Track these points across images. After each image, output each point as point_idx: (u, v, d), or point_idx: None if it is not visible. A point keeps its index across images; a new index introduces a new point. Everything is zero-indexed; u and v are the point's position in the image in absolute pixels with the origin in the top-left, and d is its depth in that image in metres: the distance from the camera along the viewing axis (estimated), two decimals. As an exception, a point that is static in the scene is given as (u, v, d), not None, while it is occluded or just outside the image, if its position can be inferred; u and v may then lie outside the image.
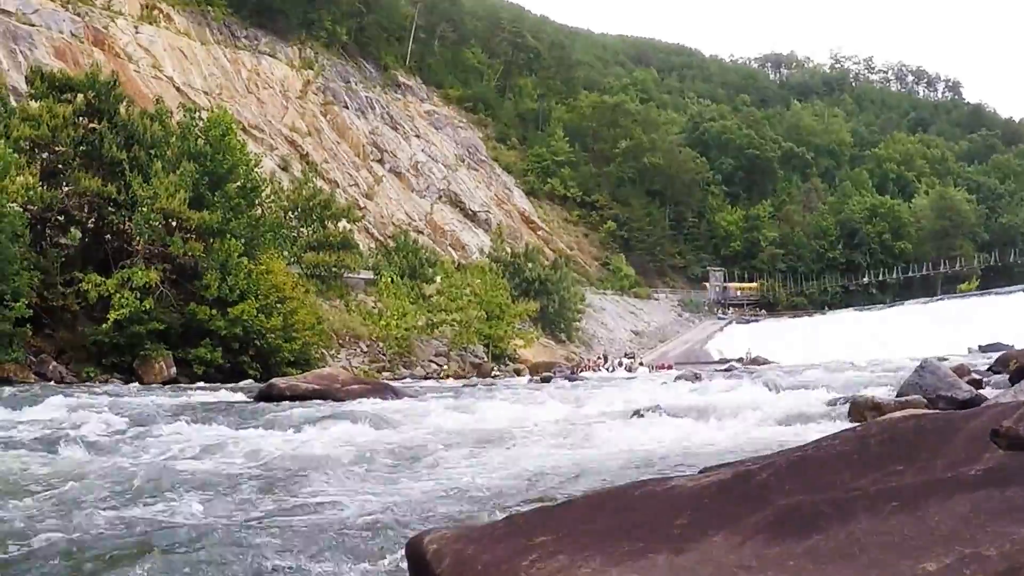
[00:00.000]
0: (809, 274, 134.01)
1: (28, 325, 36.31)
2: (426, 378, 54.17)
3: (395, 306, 58.97)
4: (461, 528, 6.50)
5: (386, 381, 37.77)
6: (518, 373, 62.37)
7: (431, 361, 61.90)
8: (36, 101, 44.23)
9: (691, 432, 15.36)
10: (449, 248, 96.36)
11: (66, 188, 42.55)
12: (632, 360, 75.61)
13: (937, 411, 8.97)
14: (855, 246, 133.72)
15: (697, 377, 36.42)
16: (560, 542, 5.28)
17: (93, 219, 43.63)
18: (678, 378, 36.12)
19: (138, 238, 40.86)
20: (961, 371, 22.91)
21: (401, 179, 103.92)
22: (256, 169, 49.77)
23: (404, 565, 6.52)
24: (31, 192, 39.53)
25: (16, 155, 39.09)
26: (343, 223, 68.86)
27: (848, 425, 13.65)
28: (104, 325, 38.61)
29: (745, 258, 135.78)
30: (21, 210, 39.20)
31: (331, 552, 7.38)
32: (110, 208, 42.32)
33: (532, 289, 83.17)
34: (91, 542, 7.81)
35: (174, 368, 40.18)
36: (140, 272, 39.22)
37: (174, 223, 42.04)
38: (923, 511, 4.26)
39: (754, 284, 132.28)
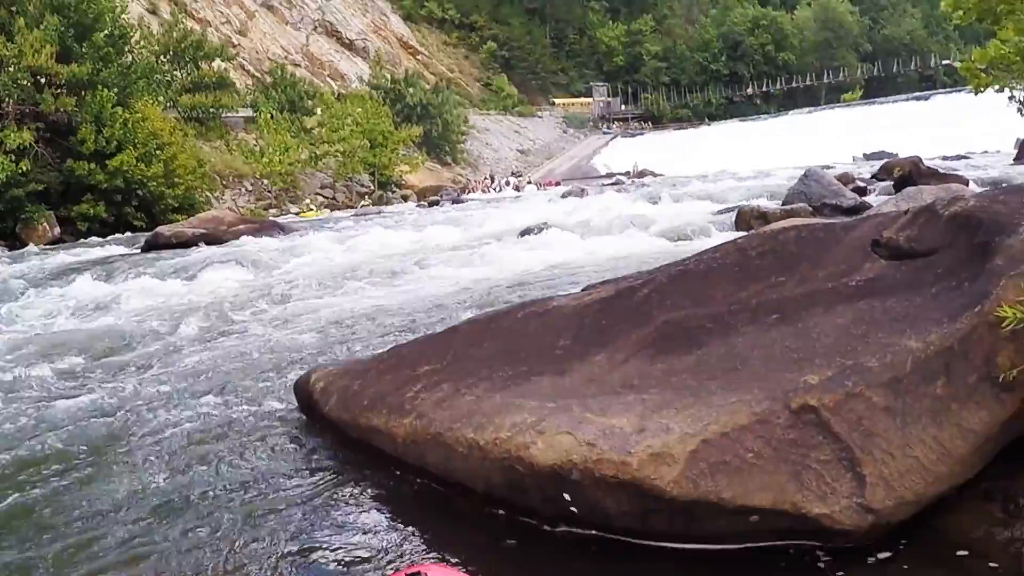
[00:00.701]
0: (692, 87, 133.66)
1: (-103, 201, 35.21)
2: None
3: (276, 142, 58.12)
4: (346, 364, 6.46)
5: (273, 219, 37.45)
6: (405, 199, 62.17)
7: (317, 194, 61.41)
8: None
9: (578, 248, 15.43)
10: (328, 79, 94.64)
11: (-74, 58, 41.00)
12: (519, 179, 75.36)
13: (818, 220, 9.04)
14: (738, 58, 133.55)
15: (584, 192, 36.55)
16: (444, 371, 5.26)
17: (-42, 86, 42.25)
18: (565, 195, 36.22)
19: (6, 99, 39.55)
20: (846, 179, 23.27)
21: (274, 12, 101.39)
22: (123, 15, 48.19)
23: (294, 404, 6.50)
24: None
25: None
26: (217, 62, 67.04)
27: (735, 235, 13.80)
28: (-20, 193, 37.47)
29: (628, 72, 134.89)
30: None
31: (221, 396, 7.31)
32: (-27, 72, 40.76)
33: (414, 114, 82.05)
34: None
35: (58, 228, 39.23)
36: (12, 134, 37.91)
37: (43, 80, 40.48)
38: (804, 323, 4.26)
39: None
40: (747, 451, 3.70)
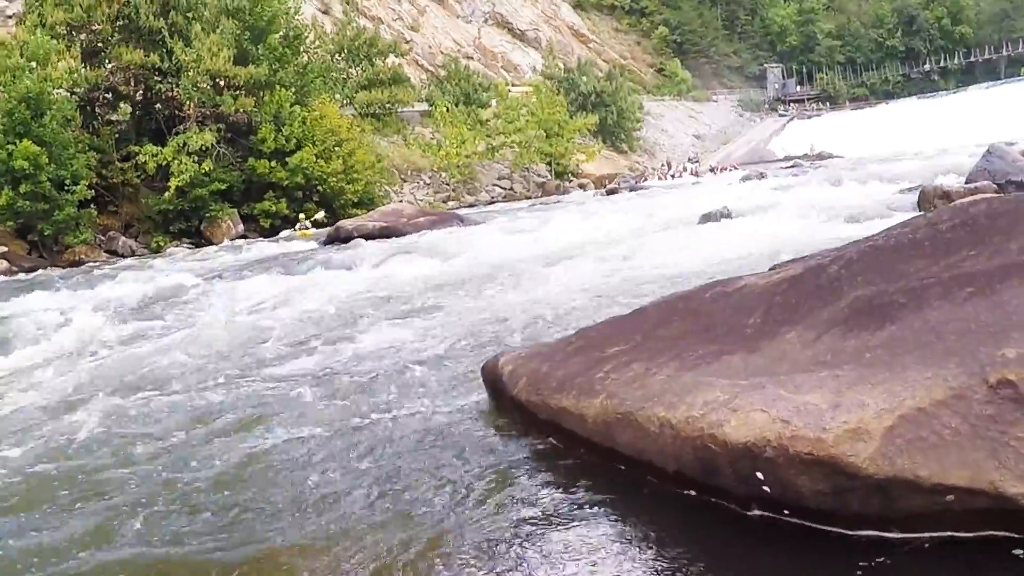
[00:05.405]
0: (868, 64, 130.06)
1: (92, 205, 36.83)
2: (491, 203, 54.46)
3: (453, 134, 58.73)
4: (534, 347, 6.52)
5: (452, 211, 37.81)
6: (583, 188, 62.41)
7: (495, 185, 62.03)
8: (66, -16, 43.90)
9: (759, 232, 15.26)
10: (501, 71, 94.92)
11: (109, 65, 42.41)
12: (696, 164, 74.88)
13: (1009, 195, 8.82)
14: (914, 33, 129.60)
15: (762, 176, 36.34)
16: (634, 351, 5.28)
17: (141, 91, 43.52)
18: (744, 179, 36.17)
19: (188, 103, 40.79)
20: (1031, 153, 22.56)
21: (444, 6, 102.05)
22: (297, 17, 49.23)
23: (481, 388, 6.59)
24: (75, 75, 39.52)
25: (54, 41, 38.92)
26: (391, 58, 68.07)
27: (917, 215, 13.55)
28: (166, 194, 38.88)
29: (802, 52, 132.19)
30: (68, 94, 39.61)
31: (408, 381, 7.47)
32: (156, 78, 42.04)
33: (589, 103, 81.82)
34: (177, 397, 7.96)
35: (241, 225, 40.56)
36: (195, 136, 39.26)
37: (222, 82, 41.92)
38: (1000, 296, 4.16)
39: None
40: (944, 427, 3.64)
